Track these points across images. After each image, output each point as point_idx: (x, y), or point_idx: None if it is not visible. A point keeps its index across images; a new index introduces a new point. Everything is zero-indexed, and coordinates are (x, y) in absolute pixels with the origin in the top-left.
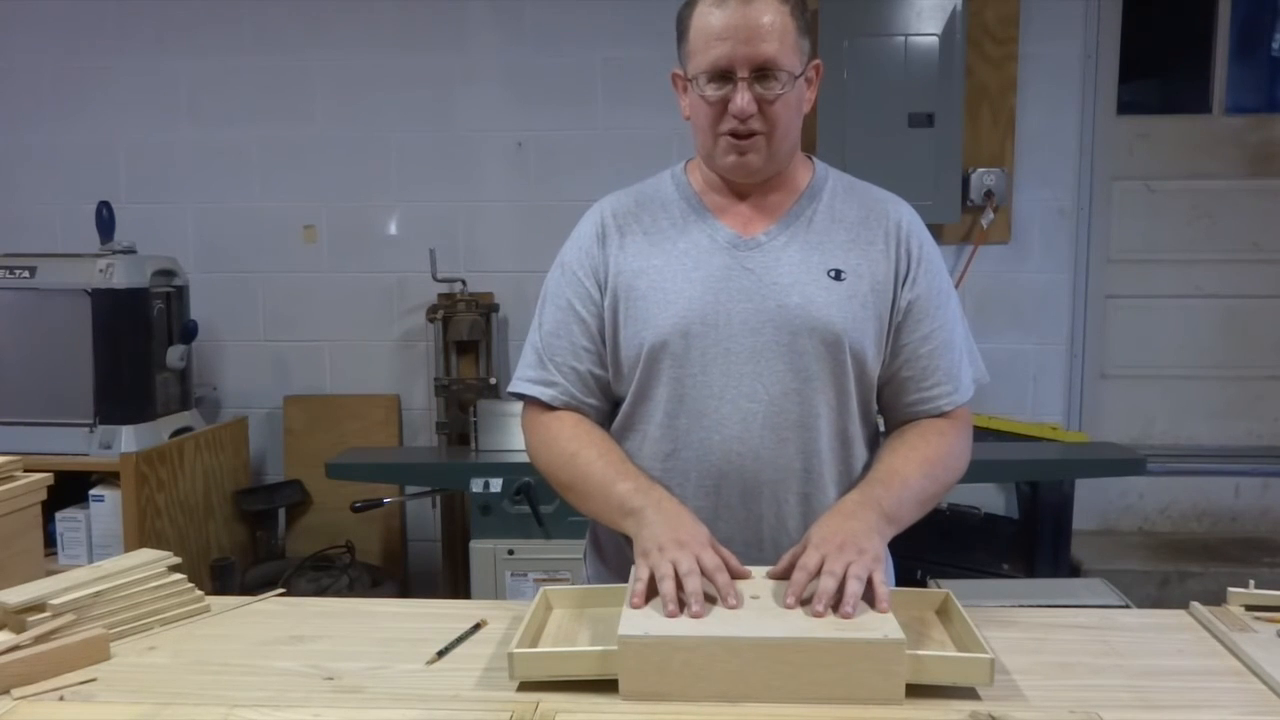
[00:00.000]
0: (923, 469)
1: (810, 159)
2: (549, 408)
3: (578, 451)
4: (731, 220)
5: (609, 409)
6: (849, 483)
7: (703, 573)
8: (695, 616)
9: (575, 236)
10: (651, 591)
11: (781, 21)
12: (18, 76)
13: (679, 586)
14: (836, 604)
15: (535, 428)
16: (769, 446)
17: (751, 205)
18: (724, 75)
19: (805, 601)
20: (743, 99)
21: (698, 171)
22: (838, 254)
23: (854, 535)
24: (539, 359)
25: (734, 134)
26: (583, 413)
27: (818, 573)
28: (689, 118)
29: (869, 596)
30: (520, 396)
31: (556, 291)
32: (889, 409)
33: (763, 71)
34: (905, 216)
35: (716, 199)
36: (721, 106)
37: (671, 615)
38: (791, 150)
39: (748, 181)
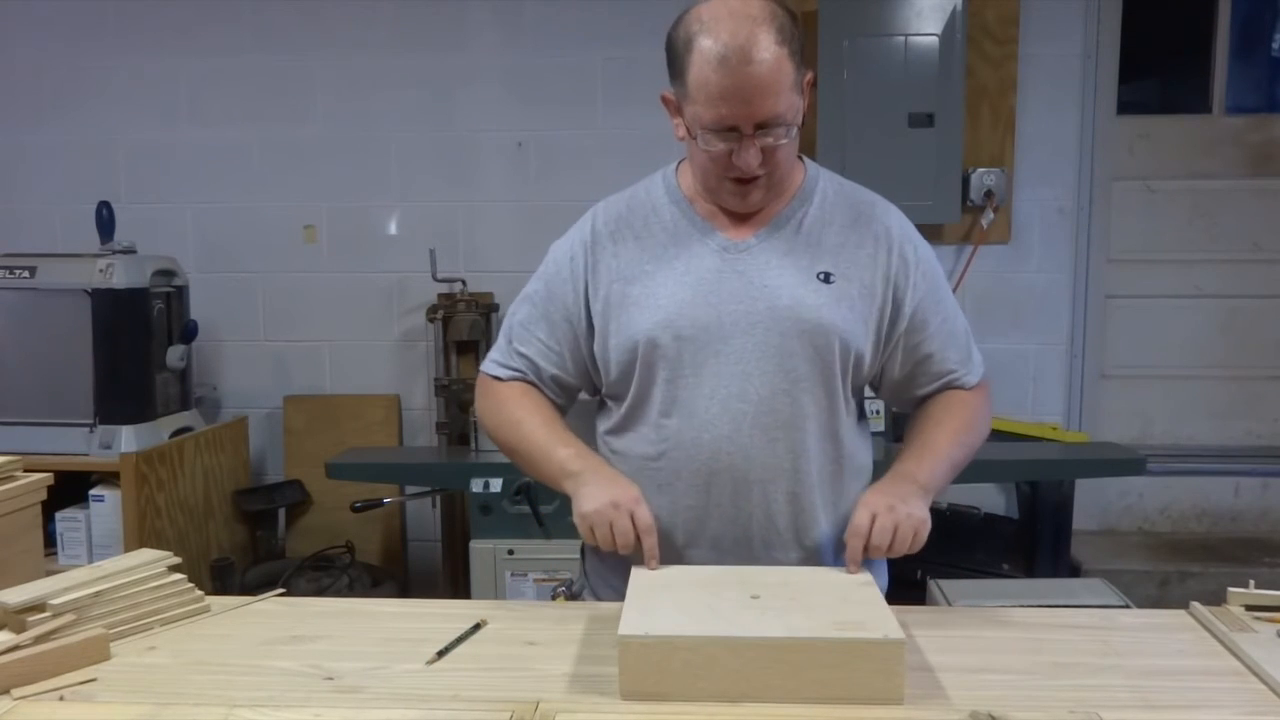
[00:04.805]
0: (953, 438)
1: (802, 159)
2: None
3: (523, 419)
4: (722, 224)
5: (565, 405)
6: (838, 482)
7: (636, 530)
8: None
9: (564, 241)
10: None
11: (780, 68)
12: (18, 76)
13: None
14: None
15: (485, 393)
16: (758, 446)
17: None
18: (728, 129)
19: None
20: (749, 155)
21: (689, 174)
22: (827, 257)
23: (902, 496)
24: (507, 345)
25: (738, 179)
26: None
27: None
28: (683, 139)
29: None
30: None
31: (536, 289)
32: (909, 403)
33: (766, 124)
34: (894, 221)
35: (707, 204)
36: (725, 159)
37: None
38: (790, 170)
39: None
